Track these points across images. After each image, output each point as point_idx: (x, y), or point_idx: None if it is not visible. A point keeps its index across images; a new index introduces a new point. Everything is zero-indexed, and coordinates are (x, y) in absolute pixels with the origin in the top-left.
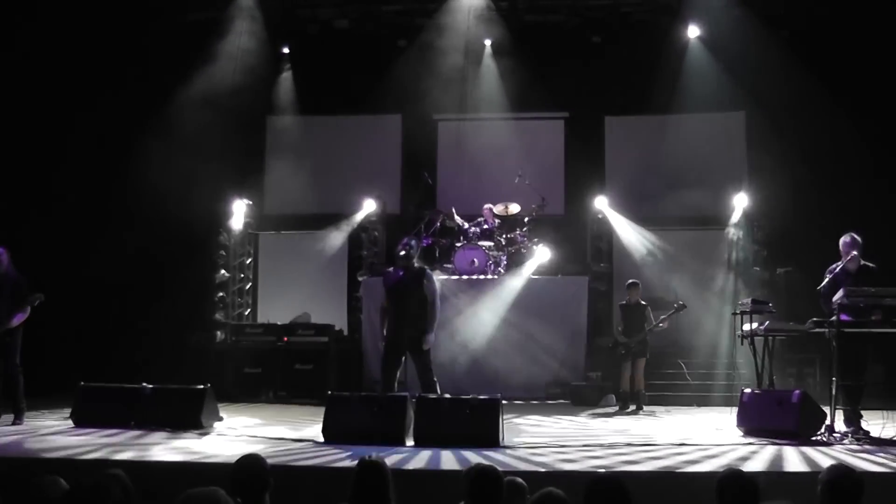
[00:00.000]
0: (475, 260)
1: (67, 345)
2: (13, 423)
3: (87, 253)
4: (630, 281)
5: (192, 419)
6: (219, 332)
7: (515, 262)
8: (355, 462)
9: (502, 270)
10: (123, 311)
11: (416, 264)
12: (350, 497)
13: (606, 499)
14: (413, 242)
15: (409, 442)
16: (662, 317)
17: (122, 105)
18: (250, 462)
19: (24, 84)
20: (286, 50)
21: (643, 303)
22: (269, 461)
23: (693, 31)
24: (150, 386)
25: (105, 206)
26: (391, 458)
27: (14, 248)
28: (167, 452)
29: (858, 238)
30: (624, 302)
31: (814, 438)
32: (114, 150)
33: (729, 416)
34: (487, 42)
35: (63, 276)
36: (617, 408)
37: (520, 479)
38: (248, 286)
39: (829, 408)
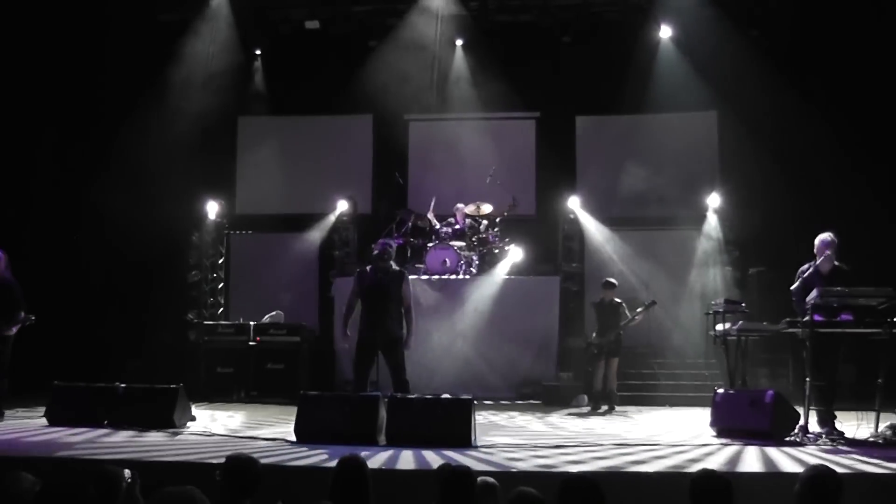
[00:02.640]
0: (447, 260)
1: (41, 345)
2: None
3: (59, 254)
4: (607, 280)
5: (164, 418)
6: (191, 332)
7: (487, 262)
8: (327, 461)
9: (474, 270)
10: (96, 311)
11: (393, 266)
12: (330, 495)
13: (580, 499)
14: (391, 244)
15: (382, 441)
16: (634, 313)
17: (93, 106)
18: (241, 461)
19: None
20: (258, 51)
21: (617, 300)
22: None
23: (664, 31)
24: (123, 385)
25: (77, 207)
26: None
27: None
28: (140, 451)
29: (833, 238)
30: (597, 301)
31: (787, 439)
32: (86, 152)
33: (702, 416)
34: (458, 42)
35: (37, 277)
36: (589, 408)
37: (491, 479)
38: (219, 286)
39: (802, 408)
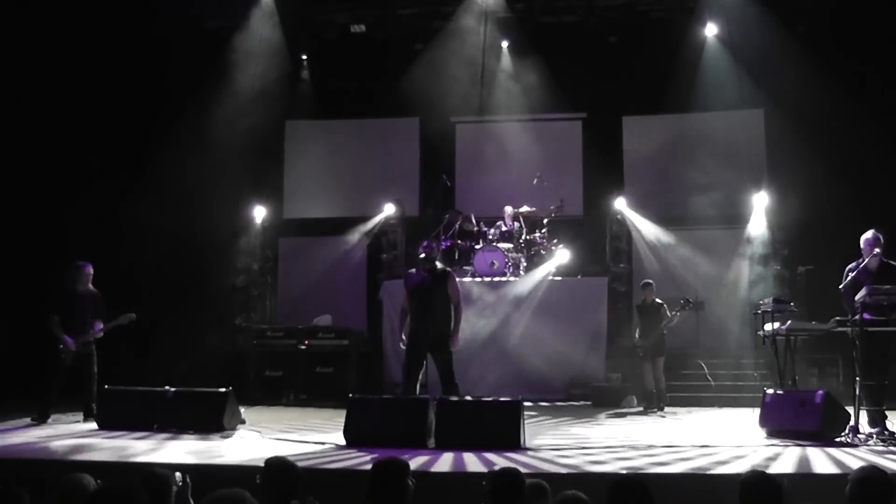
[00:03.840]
0: (494, 262)
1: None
2: (84, 421)
3: (110, 258)
4: (644, 281)
5: (214, 422)
6: (240, 336)
7: (535, 263)
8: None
9: (522, 272)
10: (145, 316)
11: (438, 266)
12: (366, 498)
13: (630, 500)
14: (434, 245)
15: (431, 444)
16: (672, 314)
17: (143, 112)
18: (279, 464)
19: (46, 92)
20: (304, 56)
21: (658, 301)
22: None
23: (710, 30)
24: (173, 389)
25: (125, 212)
26: (412, 461)
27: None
28: (190, 455)
29: (880, 235)
30: (640, 303)
31: (838, 439)
32: (135, 158)
33: (751, 416)
34: (504, 44)
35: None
36: (641, 408)
37: (542, 481)
38: (268, 290)
39: (853, 408)
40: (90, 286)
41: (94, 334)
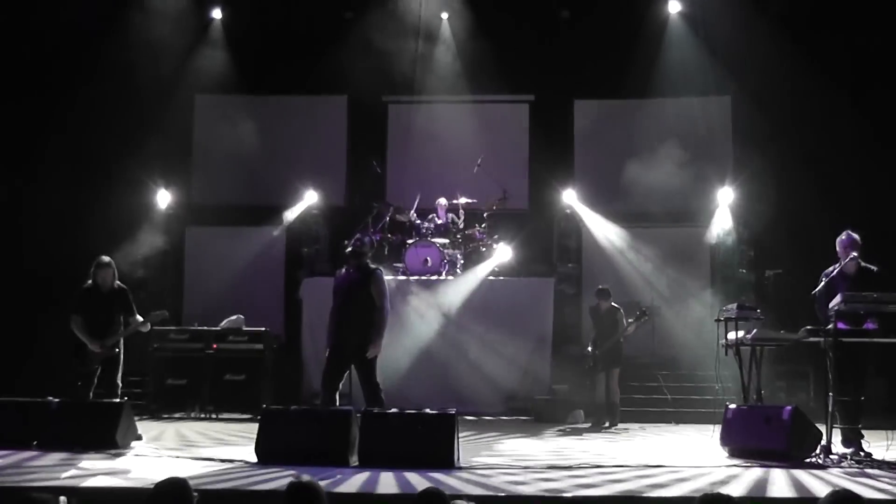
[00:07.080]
0: (428, 259)
1: None
2: None
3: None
4: (599, 287)
5: (106, 438)
6: (138, 339)
7: (473, 261)
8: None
9: (458, 270)
10: (29, 317)
11: (368, 264)
12: None
13: None
14: (365, 239)
15: (354, 462)
16: (627, 324)
17: (28, 78)
18: (171, 486)
19: None
20: (217, 15)
21: (615, 306)
22: (195, 485)
23: (673, 6)
24: (57, 400)
25: (10, 195)
26: (333, 480)
27: None
28: (77, 477)
29: (857, 237)
30: (594, 305)
31: (808, 460)
32: (19, 134)
33: (711, 434)
34: (444, 15)
35: None
36: (589, 424)
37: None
38: (171, 286)
39: (825, 426)
40: (116, 283)
41: (122, 333)
